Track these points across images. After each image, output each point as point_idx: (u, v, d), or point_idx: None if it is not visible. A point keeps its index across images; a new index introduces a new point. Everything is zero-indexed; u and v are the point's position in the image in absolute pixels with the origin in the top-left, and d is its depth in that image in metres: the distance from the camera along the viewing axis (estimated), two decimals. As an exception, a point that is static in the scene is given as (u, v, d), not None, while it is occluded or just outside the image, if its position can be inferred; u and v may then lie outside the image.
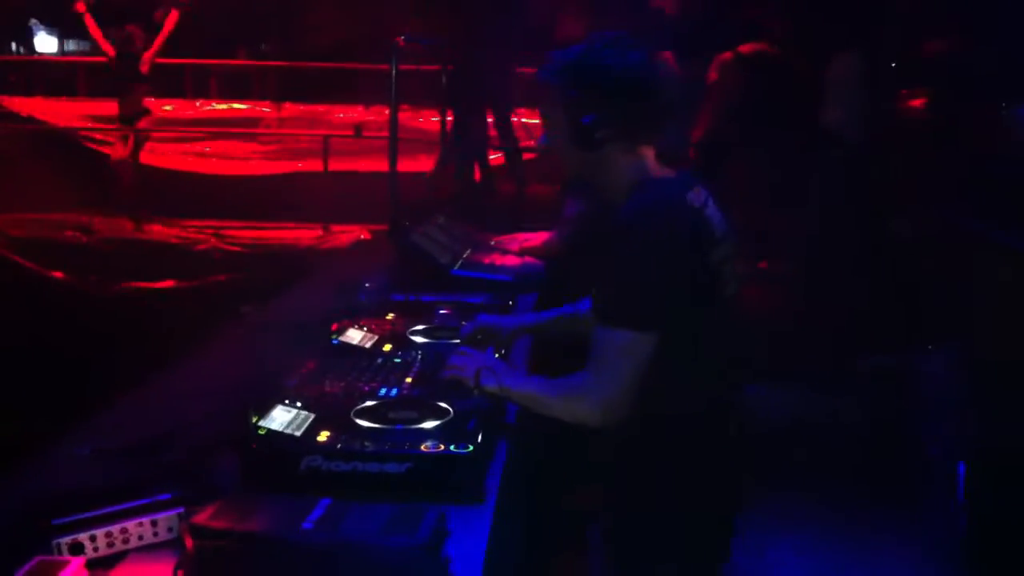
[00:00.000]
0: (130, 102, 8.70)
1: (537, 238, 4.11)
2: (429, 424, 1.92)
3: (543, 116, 2.08)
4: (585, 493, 2.39)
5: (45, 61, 12.02)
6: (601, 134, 1.96)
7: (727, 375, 2.06)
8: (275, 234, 8.00)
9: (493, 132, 7.06)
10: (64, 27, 12.25)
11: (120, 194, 8.60)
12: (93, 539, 1.54)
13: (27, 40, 12.33)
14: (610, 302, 1.91)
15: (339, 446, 1.80)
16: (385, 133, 7.78)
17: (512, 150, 6.90)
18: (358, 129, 8.79)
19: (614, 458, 2.07)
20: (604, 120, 1.95)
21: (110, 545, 1.55)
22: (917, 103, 7.53)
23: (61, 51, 12.51)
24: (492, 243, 4.22)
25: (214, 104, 10.38)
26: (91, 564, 1.52)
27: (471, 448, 1.80)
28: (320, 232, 7.95)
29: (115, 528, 1.55)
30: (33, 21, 12.25)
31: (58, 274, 7.04)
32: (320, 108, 10.29)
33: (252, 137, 9.97)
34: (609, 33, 1.98)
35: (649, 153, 2.03)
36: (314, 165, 8.70)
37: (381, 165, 8.06)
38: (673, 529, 2.03)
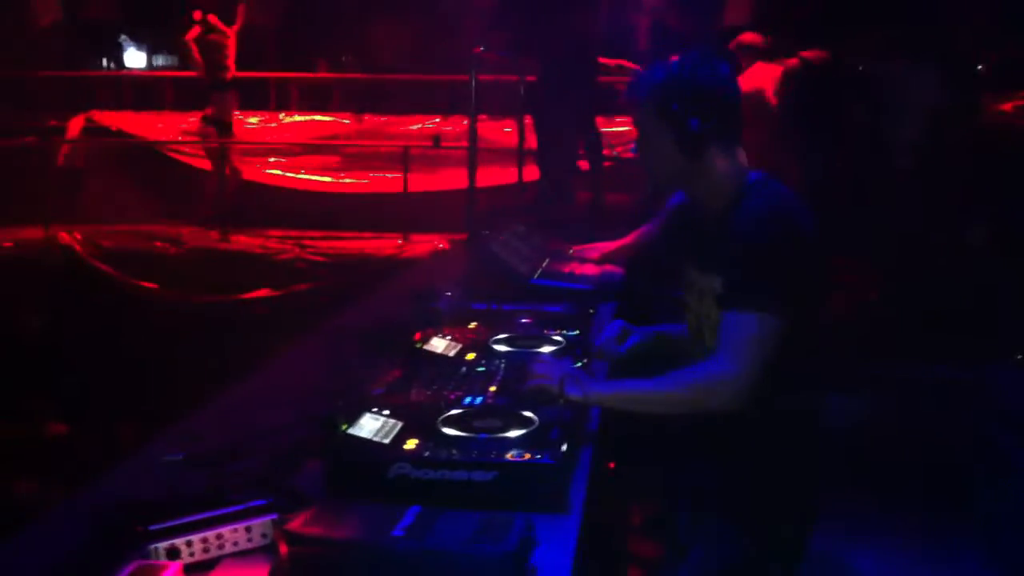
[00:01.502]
0: (220, 109, 8.92)
1: (614, 245, 4.11)
2: (514, 433, 1.92)
3: (638, 129, 2.21)
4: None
5: (134, 76, 12.39)
6: (704, 138, 2.09)
7: (827, 374, 2.19)
8: (355, 244, 8.13)
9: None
10: (153, 42, 12.61)
11: (207, 205, 8.82)
12: (189, 544, 1.58)
13: (117, 56, 12.73)
14: (750, 289, 2.00)
15: (427, 454, 1.82)
16: (464, 143, 7.88)
17: (596, 160, 6.89)
18: (437, 140, 8.88)
19: (732, 438, 2.13)
20: (707, 126, 2.09)
21: (205, 550, 1.58)
22: (1007, 107, 7.33)
23: (150, 66, 12.88)
24: (571, 252, 4.22)
25: (296, 116, 10.56)
26: (187, 569, 1.55)
27: (556, 457, 1.80)
28: (399, 242, 8.05)
29: (211, 533, 1.58)
30: (123, 37, 12.64)
31: (148, 284, 7.24)
32: (399, 119, 10.41)
33: (333, 148, 10.13)
34: (692, 51, 2.16)
35: (742, 155, 2.17)
36: (393, 175, 8.81)
37: (460, 175, 8.17)
38: (788, 499, 2.14)
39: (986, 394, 4.56)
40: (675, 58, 2.15)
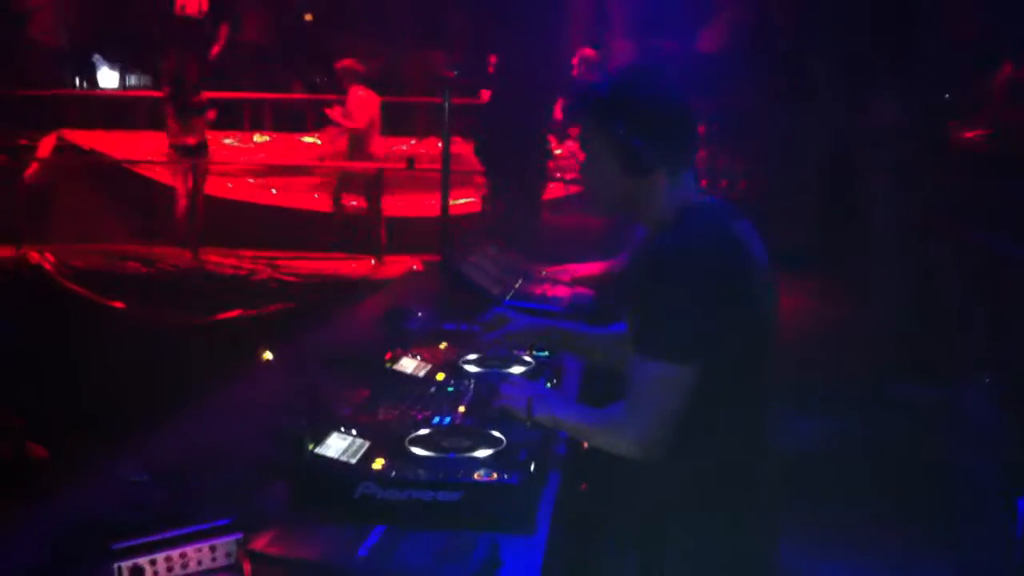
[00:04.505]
0: (190, 132, 8.91)
1: (587, 268, 4.12)
2: (482, 453, 1.93)
3: (583, 148, 2.08)
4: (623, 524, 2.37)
5: (107, 96, 12.32)
6: (650, 159, 1.96)
7: (772, 411, 2.04)
8: (329, 264, 8.10)
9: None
10: (126, 62, 12.55)
11: (179, 225, 8.77)
12: (153, 563, 1.56)
13: (90, 75, 12.66)
14: (652, 332, 1.88)
15: (393, 474, 1.82)
16: (437, 165, 7.89)
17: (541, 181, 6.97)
18: (411, 162, 8.88)
19: (660, 496, 2.02)
20: (652, 145, 1.96)
21: (169, 570, 1.57)
22: (971, 134, 7.45)
23: (123, 85, 12.81)
24: (543, 273, 4.23)
25: (269, 136, 10.54)
26: (151, 588, 1.54)
27: (523, 478, 1.81)
28: (373, 262, 8.04)
29: (175, 553, 1.57)
30: (96, 56, 12.58)
31: (118, 304, 7.18)
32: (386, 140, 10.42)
33: (307, 169, 10.11)
34: (638, 65, 2.04)
35: (690, 178, 2.04)
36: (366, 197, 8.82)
37: (433, 197, 8.18)
38: (722, 564, 2.00)
39: (954, 414, 4.60)
40: (618, 73, 2.04)
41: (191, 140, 8.94)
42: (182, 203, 8.75)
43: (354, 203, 9.16)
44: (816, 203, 6.58)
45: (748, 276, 1.93)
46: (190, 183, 8.75)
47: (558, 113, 7.63)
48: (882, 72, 5.88)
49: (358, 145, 8.89)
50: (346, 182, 9.10)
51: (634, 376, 1.88)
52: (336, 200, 9.08)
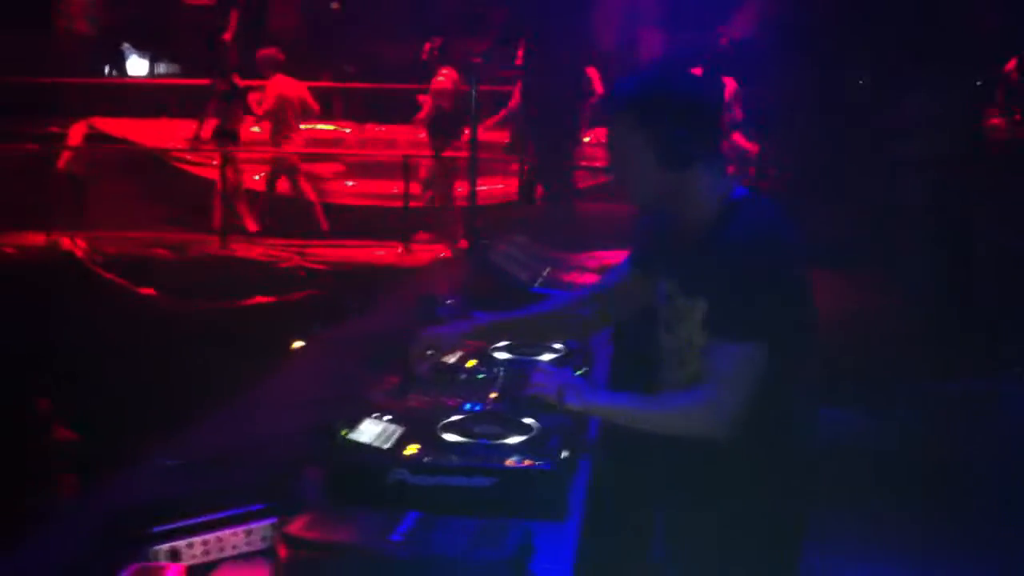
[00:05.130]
0: (230, 119, 8.95)
1: (616, 256, 4.11)
2: (513, 439, 1.93)
3: (615, 144, 2.09)
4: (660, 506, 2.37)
5: (136, 83, 12.42)
6: (690, 152, 1.99)
7: (818, 398, 2.10)
8: (357, 252, 8.13)
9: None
10: (155, 50, 12.64)
11: (209, 212, 8.83)
12: (190, 546, 1.58)
13: (119, 63, 12.75)
14: (734, 315, 1.93)
15: (426, 460, 1.83)
16: (465, 153, 7.90)
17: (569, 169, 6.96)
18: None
19: (713, 466, 2.05)
20: (692, 138, 1.98)
21: (206, 553, 1.59)
22: (997, 122, 7.36)
23: (152, 73, 12.90)
24: (571, 261, 4.23)
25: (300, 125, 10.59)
26: (188, 571, 1.56)
27: (555, 464, 1.81)
28: (401, 250, 8.06)
29: (211, 536, 1.59)
30: (125, 45, 12.67)
31: (149, 291, 7.25)
32: (400, 128, 10.43)
33: (334, 157, 10.14)
34: (674, 59, 2.07)
35: (724, 170, 2.08)
36: (395, 184, 8.83)
37: (461, 184, 8.18)
38: (771, 529, 2.06)
39: (995, 408, 4.55)
40: (653, 69, 2.07)
41: (231, 127, 8.97)
42: (219, 190, 8.80)
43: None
44: (850, 195, 6.53)
45: (802, 265, 2.01)
46: (229, 171, 8.78)
47: (590, 101, 7.63)
48: (915, 61, 5.82)
49: (279, 130, 8.96)
50: (279, 168, 9.11)
51: (716, 360, 1.92)
52: (270, 186, 9.12)
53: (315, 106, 9.11)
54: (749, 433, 1.92)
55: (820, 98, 6.80)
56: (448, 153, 8.77)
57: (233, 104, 9.03)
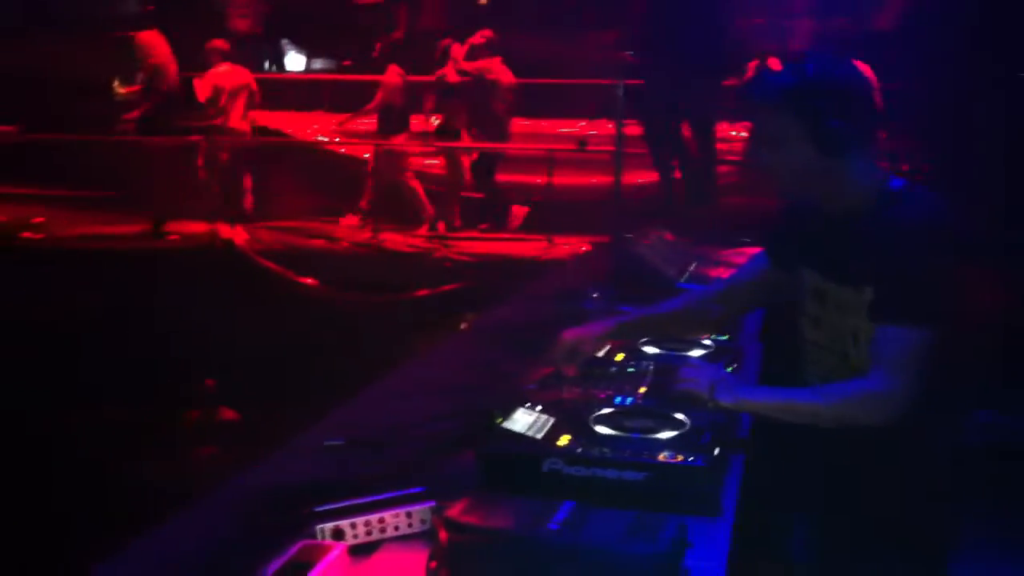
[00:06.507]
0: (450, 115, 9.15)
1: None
2: (665, 434, 1.93)
3: (766, 132, 2.07)
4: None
5: (295, 79, 12.88)
6: (846, 140, 1.98)
7: (973, 390, 2.12)
8: (500, 245, 8.23)
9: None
10: (312, 47, 13.09)
11: (360, 203, 9.08)
12: (353, 526, 1.65)
13: (278, 58, 13.28)
14: (906, 301, 1.91)
15: (579, 451, 1.85)
16: (608, 147, 7.88)
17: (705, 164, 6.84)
18: (582, 143, 8.89)
19: (858, 469, 2.05)
20: (848, 126, 1.98)
21: (368, 533, 1.65)
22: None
23: (308, 68, 13.36)
24: (717, 256, 4.18)
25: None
26: (350, 551, 1.62)
27: (709, 460, 1.80)
28: (544, 243, 8.11)
29: (374, 517, 1.65)
30: (285, 41, 13.18)
31: (307, 280, 7.53)
32: (544, 122, 10.47)
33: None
34: (831, 46, 2.05)
35: (876, 160, 2.06)
36: (538, 178, 8.88)
37: (605, 178, 8.16)
38: (927, 521, 2.04)
39: None
40: (807, 56, 2.04)
41: (447, 122, 9.15)
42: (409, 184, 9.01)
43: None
44: (1001, 191, 6.22)
45: (968, 258, 1.98)
46: (448, 167, 8.98)
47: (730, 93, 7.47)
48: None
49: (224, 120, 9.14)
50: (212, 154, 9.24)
51: (887, 346, 1.91)
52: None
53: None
54: (903, 428, 1.89)
55: (976, 95, 6.51)
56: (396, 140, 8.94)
57: (450, 100, 9.14)
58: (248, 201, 9.17)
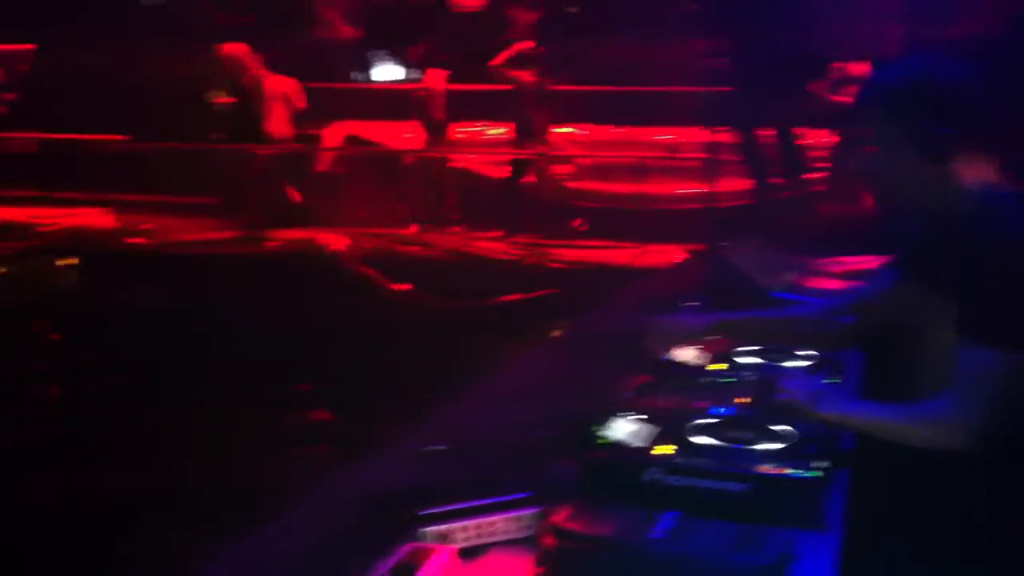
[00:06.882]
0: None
1: (861, 261, 3.98)
2: (768, 446, 1.92)
3: (868, 137, 2.02)
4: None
5: (385, 89, 13.05)
6: (951, 146, 1.92)
7: None
8: (593, 252, 8.23)
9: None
10: (398, 57, 13.26)
11: (448, 210, 9.21)
12: (464, 530, 1.68)
13: (365, 69, 13.49)
14: (994, 320, 1.82)
15: (680, 461, 1.85)
16: (701, 154, 7.83)
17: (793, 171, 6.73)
18: (673, 150, 8.85)
19: (955, 480, 1.96)
20: (956, 132, 1.92)
21: (477, 537, 1.69)
22: None
23: (405, 79, 13.54)
24: (815, 266, 4.13)
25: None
26: (458, 554, 1.66)
27: (812, 473, 1.79)
28: (637, 251, 8.08)
29: (483, 521, 1.69)
30: (371, 51, 13.39)
31: (404, 286, 7.65)
32: (635, 130, 10.44)
33: (568, 158, 10.29)
34: (933, 51, 1.99)
35: (991, 169, 1.98)
36: (631, 185, 8.88)
37: (698, 186, 8.11)
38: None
39: None
40: (911, 59, 2.00)
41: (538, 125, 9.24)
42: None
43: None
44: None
45: None
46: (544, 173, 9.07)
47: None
48: None
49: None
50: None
51: (968, 366, 1.83)
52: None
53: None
54: (995, 450, 1.81)
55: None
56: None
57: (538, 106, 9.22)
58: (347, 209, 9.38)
